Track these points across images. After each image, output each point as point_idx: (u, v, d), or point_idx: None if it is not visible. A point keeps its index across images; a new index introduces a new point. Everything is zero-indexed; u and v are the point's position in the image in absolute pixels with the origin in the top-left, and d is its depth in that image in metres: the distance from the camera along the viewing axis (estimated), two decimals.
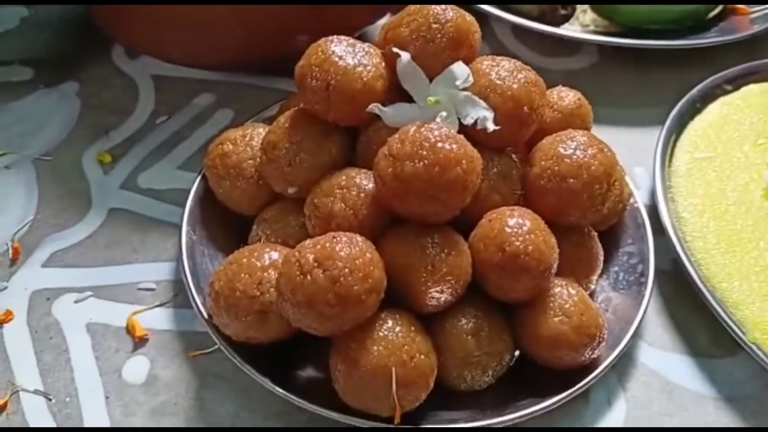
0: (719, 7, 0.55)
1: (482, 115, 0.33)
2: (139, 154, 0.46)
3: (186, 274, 0.36)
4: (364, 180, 0.34)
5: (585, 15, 0.55)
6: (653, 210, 0.43)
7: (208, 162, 0.39)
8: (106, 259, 0.41)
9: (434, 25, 0.34)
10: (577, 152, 0.34)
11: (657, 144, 0.46)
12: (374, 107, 0.34)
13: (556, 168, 0.34)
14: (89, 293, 0.39)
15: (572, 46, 0.55)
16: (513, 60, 0.35)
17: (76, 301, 0.39)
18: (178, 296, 0.39)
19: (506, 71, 0.34)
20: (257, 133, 0.39)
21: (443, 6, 0.34)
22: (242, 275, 0.32)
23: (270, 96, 0.49)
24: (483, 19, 0.54)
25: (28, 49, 0.52)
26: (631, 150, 0.49)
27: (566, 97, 0.38)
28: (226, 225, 0.40)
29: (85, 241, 0.42)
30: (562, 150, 0.34)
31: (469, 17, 0.35)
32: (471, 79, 0.34)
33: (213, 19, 0.41)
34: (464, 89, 0.34)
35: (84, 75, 0.51)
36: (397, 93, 0.35)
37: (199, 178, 0.41)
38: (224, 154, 0.38)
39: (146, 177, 0.45)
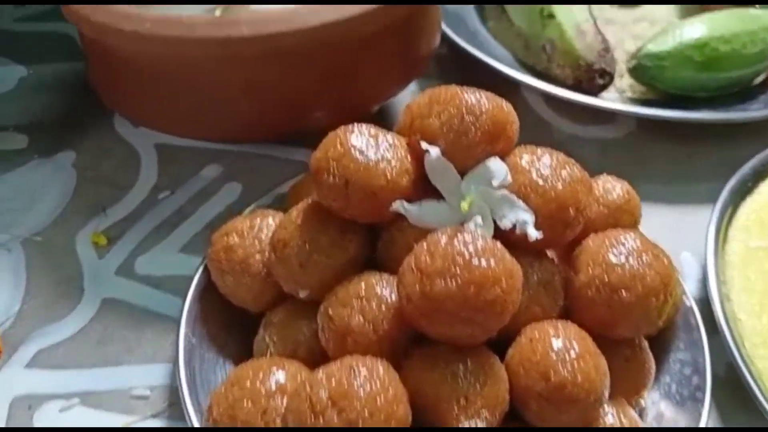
0: (766, 73, 0.51)
1: (522, 218, 0.29)
2: (137, 234, 0.42)
3: (182, 389, 0.32)
4: (386, 290, 0.30)
5: (622, 80, 0.51)
6: (705, 304, 0.39)
7: (211, 255, 0.35)
8: (96, 360, 0.37)
9: (467, 117, 0.30)
10: (630, 260, 0.30)
11: (708, 229, 0.41)
12: (399, 206, 0.30)
13: (606, 278, 0.30)
14: (76, 400, 0.35)
15: (608, 114, 0.51)
16: (555, 153, 0.31)
17: (61, 410, 0.35)
18: (173, 406, 0.35)
19: (548, 168, 0.30)
20: (266, 223, 0.35)
21: (477, 94, 0.30)
22: (245, 403, 0.28)
23: (282, 168, 0.46)
24: (514, 86, 0.51)
25: (25, 114, 0.49)
26: (676, 231, 0.44)
27: (613, 189, 0.34)
28: (230, 321, 0.36)
29: (76, 337, 0.38)
30: (612, 257, 0.30)
31: (506, 106, 0.31)
32: (509, 178, 0.30)
33: (222, 95, 0.38)
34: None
35: (82, 143, 0.47)
36: (424, 187, 0.31)
37: (201, 268, 0.37)
38: (229, 247, 0.35)
39: (144, 261, 0.41)
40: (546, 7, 0.49)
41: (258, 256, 0.34)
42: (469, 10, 0.57)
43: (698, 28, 0.49)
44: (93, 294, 0.39)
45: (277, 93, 0.38)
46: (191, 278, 0.37)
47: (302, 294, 0.32)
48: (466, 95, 0.30)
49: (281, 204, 0.40)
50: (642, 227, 0.37)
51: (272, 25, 0.35)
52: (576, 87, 0.47)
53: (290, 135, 0.42)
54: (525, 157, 0.31)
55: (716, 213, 0.42)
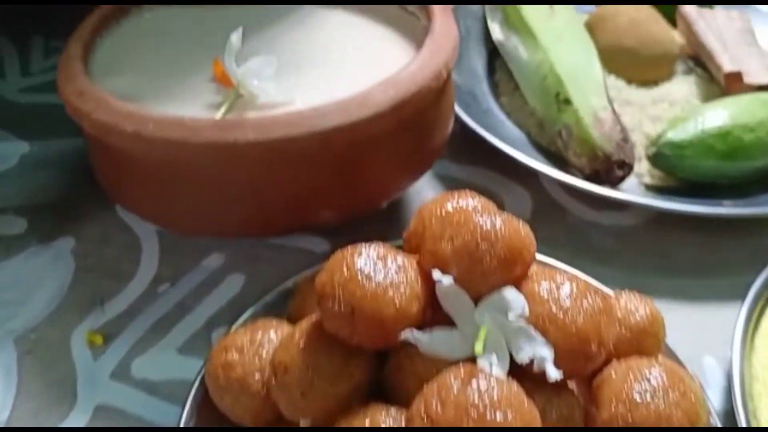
0: None
1: (540, 354, 0.27)
2: (135, 332, 0.40)
3: None
4: (392, 425, 0.28)
5: (640, 164, 0.49)
6: (729, 416, 0.37)
7: (209, 370, 0.33)
8: None
9: (482, 244, 0.28)
10: (656, 399, 0.28)
11: (734, 335, 0.39)
12: (408, 335, 0.28)
13: (630, 417, 0.28)
14: None
15: None
16: (575, 279, 0.30)
17: None
18: None
19: (568, 297, 0.28)
20: (268, 338, 0.33)
21: (492, 219, 0.29)
22: None
23: (288, 258, 0.44)
24: (531, 174, 0.49)
25: (25, 194, 0.48)
26: (699, 332, 0.42)
27: (636, 311, 0.32)
28: None
29: None
30: (636, 395, 0.28)
31: (524, 229, 0.30)
32: (527, 311, 0.28)
33: (226, 195, 0.36)
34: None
35: (82, 228, 0.46)
36: (435, 312, 0.30)
37: (199, 379, 0.35)
38: (228, 364, 0.33)
39: (141, 364, 0.39)
40: (562, 90, 0.48)
41: (257, 375, 0.32)
42: (483, 86, 0.56)
43: (720, 114, 0.47)
44: (86, 400, 0.37)
45: (282, 194, 0.36)
46: (189, 383, 0.35)
47: (303, 423, 0.30)
48: (480, 220, 0.29)
49: (285, 302, 0.38)
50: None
51: (279, 129, 0.33)
52: (593, 177, 0.45)
53: (296, 231, 0.40)
54: (543, 284, 0.29)
55: (743, 315, 0.40)
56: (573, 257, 0.47)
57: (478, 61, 0.58)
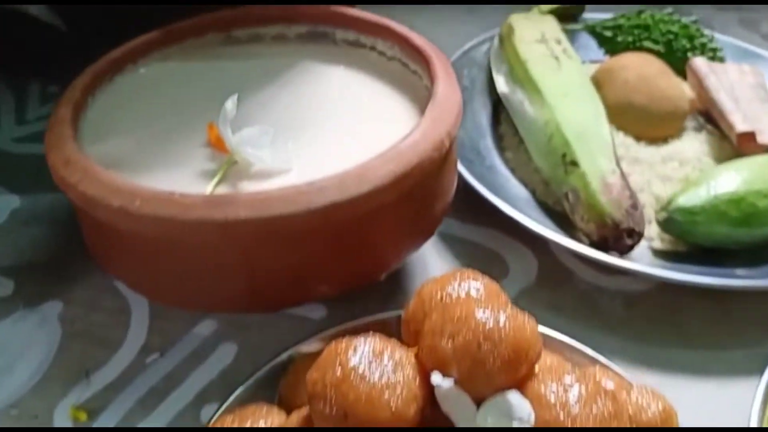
0: None
1: None
2: (121, 406, 0.38)
3: None
4: None
5: (650, 226, 0.47)
6: None
7: None
8: None
9: (485, 344, 0.26)
10: None
11: (750, 414, 0.37)
12: None
13: None
14: None
15: None
16: (584, 380, 0.28)
17: None
18: None
19: (577, 402, 0.27)
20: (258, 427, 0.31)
21: (495, 314, 0.27)
22: None
23: (282, 325, 0.42)
24: (539, 240, 0.47)
25: (13, 253, 0.46)
26: (712, 410, 0.40)
27: (648, 407, 0.30)
28: None
29: None
30: None
31: (529, 325, 0.28)
32: (532, 418, 0.26)
33: (218, 272, 0.34)
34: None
35: (71, 291, 0.44)
36: (434, 411, 0.28)
37: None
38: None
39: None
40: (568, 152, 0.46)
41: None
42: (487, 140, 0.55)
43: (733, 178, 0.45)
44: None
45: (276, 270, 0.35)
46: None
47: None
48: (483, 315, 0.27)
49: (278, 376, 0.36)
50: (675, 402, 0.33)
51: (272, 207, 0.32)
52: (601, 244, 0.44)
53: (291, 306, 0.39)
54: (551, 386, 0.27)
55: (761, 391, 0.38)
56: (579, 325, 0.45)
57: (482, 113, 0.57)
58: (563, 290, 0.47)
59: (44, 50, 0.58)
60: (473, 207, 0.49)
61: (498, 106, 0.57)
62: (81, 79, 0.41)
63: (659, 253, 0.47)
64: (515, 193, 0.50)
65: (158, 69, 0.45)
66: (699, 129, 0.53)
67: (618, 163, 0.46)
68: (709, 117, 0.54)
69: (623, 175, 0.45)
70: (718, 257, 0.46)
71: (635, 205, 0.43)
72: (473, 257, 0.49)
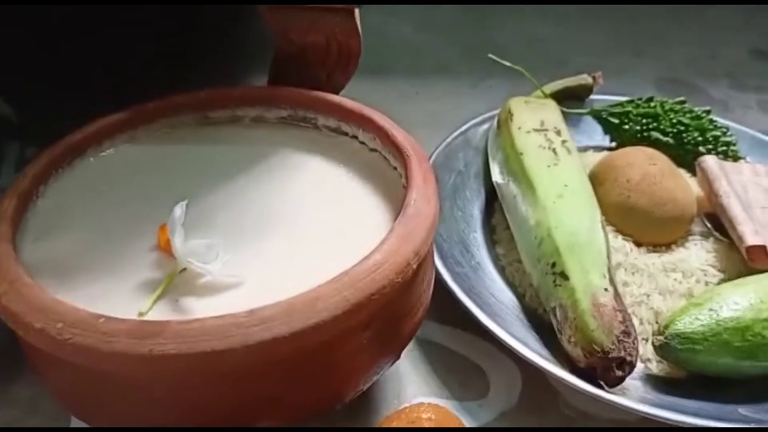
0: None
1: None
2: None
3: None
4: None
5: (646, 346, 0.43)
6: None
7: None
8: None
9: None
10: None
11: None
12: None
13: None
14: None
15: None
16: None
17: None
18: None
19: None
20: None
21: None
22: None
23: None
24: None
25: None
26: None
27: None
28: None
29: None
30: None
31: None
32: None
33: (148, 404, 0.31)
34: None
35: (12, 389, 0.41)
36: None
37: None
38: None
39: None
40: (558, 262, 0.42)
41: None
42: (477, 234, 0.51)
43: (739, 302, 0.41)
44: None
45: (212, 406, 0.31)
46: None
47: None
48: None
49: None
50: None
51: (204, 341, 0.28)
52: (589, 373, 0.39)
53: None
54: None
55: None
56: None
57: (475, 202, 0.54)
58: (547, 416, 0.43)
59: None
60: (455, 310, 0.46)
61: (492, 194, 0.54)
62: (34, 166, 0.39)
63: (655, 379, 0.43)
64: (501, 297, 0.46)
65: (123, 153, 0.43)
66: (707, 236, 0.49)
67: (612, 280, 0.41)
68: (719, 221, 0.50)
69: (617, 294, 0.41)
70: (720, 387, 0.41)
71: (628, 332, 0.39)
72: (452, 370, 0.45)
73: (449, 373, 0.44)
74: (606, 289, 0.41)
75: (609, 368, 0.38)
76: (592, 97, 0.62)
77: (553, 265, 0.43)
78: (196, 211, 0.38)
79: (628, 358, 0.38)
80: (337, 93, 0.51)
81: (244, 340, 0.29)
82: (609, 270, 0.42)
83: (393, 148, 0.40)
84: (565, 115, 0.57)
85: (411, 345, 0.46)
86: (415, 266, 0.33)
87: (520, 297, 0.47)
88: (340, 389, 0.34)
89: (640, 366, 0.43)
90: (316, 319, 0.30)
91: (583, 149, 0.58)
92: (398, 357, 0.37)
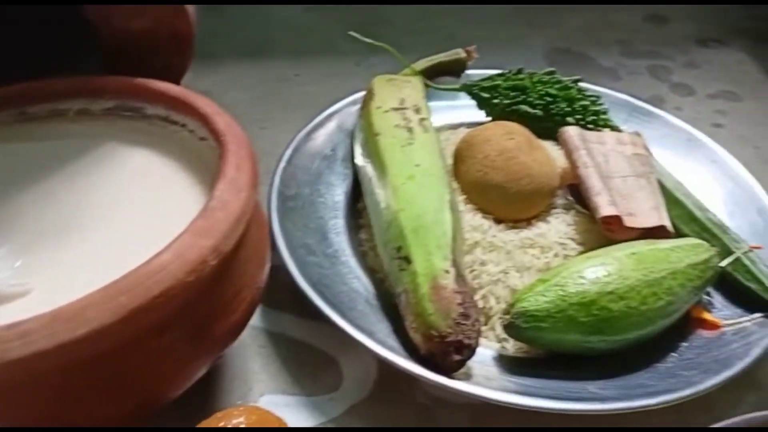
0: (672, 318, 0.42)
1: None
2: None
3: None
4: None
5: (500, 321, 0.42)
6: None
7: None
8: None
9: None
10: None
11: None
12: None
13: None
14: None
15: (484, 371, 0.42)
16: None
17: None
18: None
19: None
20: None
21: None
22: None
23: None
24: None
25: None
26: None
27: None
28: None
29: None
30: None
31: None
32: None
33: None
34: None
35: None
36: None
37: None
38: None
39: None
40: (404, 245, 0.41)
41: None
42: (338, 221, 0.49)
43: (585, 277, 0.40)
44: None
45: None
46: None
47: None
48: None
49: None
50: None
51: None
52: (429, 359, 0.38)
53: None
54: None
55: None
56: None
57: (340, 187, 0.51)
58: (401, 405, 0.41)
59: None
60: (295, 298, 0.44)
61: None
62: None
63: (510, 360, 0.41)
64: (356, 285, 0.44)
65: None
66: (568, 209, 0.48)
67: (456, 261, 0.40)
68: (578, 191, 0.49)
69: (459, 276, 0.39)
70: (577, 365, 0.40)
71: (467, 314, 0.37)
72: (305, 364, 0.43)
73: (302, 368, 0.43)
74: (447, 271, 0.39)
75: (447, 353, 0.37)
76: (476, 72, 0.60)
77: (399, 249, 0.41)
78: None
79: (467, 342, 0.37)
80: (178, 81, 0.49)
81: (1, 357, 0.26)
82: (453, 251, 0.40)
83: (215, 135, 0.38)
84: (437, 92, 0.55)
85: (264, 340, 0.44)
86: (214, 263, 0.31)
87: (379, 283, 0.45)
88: (149, 393, 0.32)
89: (496, 346, 0.42)
90: (86, 329, 0.27)
91: (458, 126, 0.56)
92: (218, 356, 0.35)
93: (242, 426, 0.31)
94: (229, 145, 0.36)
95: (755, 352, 0.40)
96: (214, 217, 0.32)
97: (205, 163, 0.39)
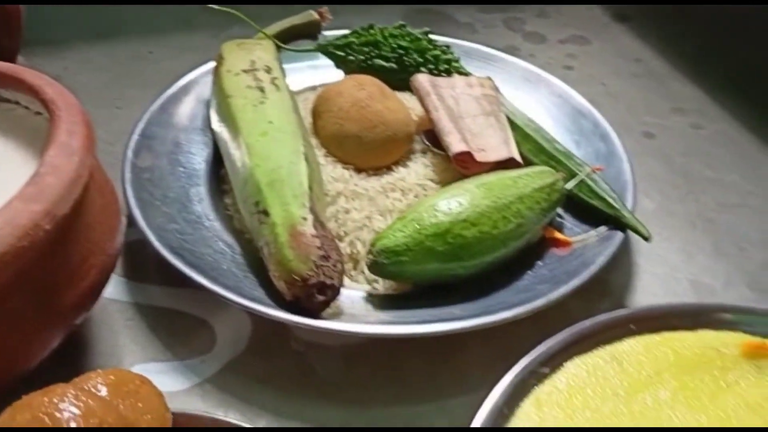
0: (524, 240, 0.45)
1: None
2: None
3: None
4: None
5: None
6: None
7: None
8: None
9: None
10: None
11: None
12: None
13: None
14: None
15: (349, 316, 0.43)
16: None
17: None
18: None
19: None
20: None
21: None
22: None
23: None
24: None
25: None
26: None
27: None
28: None
29: None
30: None
31: None
32: None
33: None
34: None
35: None
36: None
37: None
38: None
39: None
40: (261, 200, 0.41)
41: None
42: (200, 188, 0.48)
43: (439, 210, 0.41)
44: None
45: None
46: None
47: None
48: None
49: None
50: None
51: None
52: (296, 305, 0.38)
53: None
54: None
55: None
56: (291, 397, 0.40)
57: (199, 155, 0.51)
58: (277, 356, 0.42)
59: None
60: (157, 265, 0.43)
61: None
62: None
63: (379, 298, 0.43)
64: (221, 247, 0.44)
65: None
66: (425, 152, 0.50)
67: (314, 209, 0.40)
68: (435, 136, 0.50)
69: (318, 221, 0.40)
70: (442, 293, 0.42)
71: (327, 256, 0.38)
72: (174, 331, 0.42)
73: (173, 335, 0.42)
74: (304, 218, 0.40)
75: (311, 294, 0.38)
76: (335, 33, 0.61)
77: (257, 203, 0.41)
78: None
79: (329, 282, 0.38)
80: (13, 60, 0.47)
81: None
82: (311, 200, 0.41)
83: (45, 105, 0.37)
84: (297, 56, 0.56)
85: (132, 314, 0.43)
86: (48, 227, 0.30)
87: (246, 244, 0.45)
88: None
89: (367, 288, 0.44)
90: None
91: (318, 87, 0.56)
92: (72, 325, 0.34)
93: (100, 384, 0.30)
94: (59, 111, 0.35)
95: (601, 260, 0.43)
96: (44, 182, 0.31)
97: (40, 137, 0.38)
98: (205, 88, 0.55)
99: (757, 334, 0.40)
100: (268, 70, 0.50)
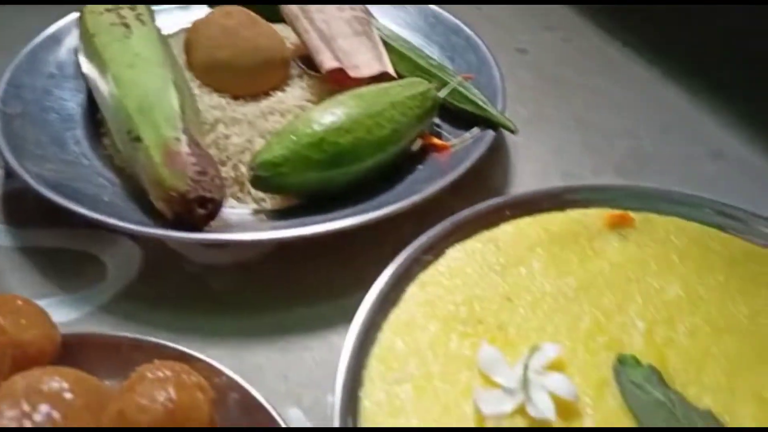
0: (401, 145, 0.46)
1: None
2: None
3: None
4: None
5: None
6: None
7: None
8: None
9: None
10: None
11: (337, 378, 0.33)
12: None
13: None
14: None
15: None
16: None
17: None
18: None
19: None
20: None
21: None
22: None
23: None
24: None
25: None
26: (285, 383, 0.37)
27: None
28: None
29: None
30: None
31: None
32: None
33: None
34: None
35: None
36: None
37: None
38: None
39: None
40: (133, 127, 0.41)
41: None
42: (77, 131, 0.47)
43: (314, 121, 0.43)
44: None
45: None
46: None
47: None
48: None
49: None
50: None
51: None
52: (179, 221, 0.39)
53: None
54: None
55: (349, 345, 0.35)
56: (189, 312, 0.41)
57: (73, 101, 0.50)
58: (170, 279, 0.42)
59: None
60: (55, 211, 0.43)
61: None
62: None
63: (267, 213, 0.44)
64: (102, 182, 0.44)
65: None
66: (302, 76, 0.51)
67: (187, 129, 0.41)
68: (311, 61, 0.51)
69: (192, 141, 0.40)
70: (329, 204, 0.43)
71: (204, 171, 0.39)
72: (64, 268, 0.42)
73: (63, 273, 0.42)
74: (178, 139, 0.40)
75: (192, 209, 0.38)
76: None
77: (129, 132, 0.41)
78: None
79: (208, 195, 0.39)
80: None
81: None
82: (183, 121, 0.41)
83: None
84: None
85: (18, 259, 0.43)
86: None
87: (128, 179, 0.45)
88: None
89: (254, 206, 0.44)
90: None
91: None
92: None
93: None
94: None
95: (474, 155, 0.45)
96: None
97: None
98: (74, 38, 0.54)
99: (619, 207, 0.44)
100: (132, 8, 0.49)
